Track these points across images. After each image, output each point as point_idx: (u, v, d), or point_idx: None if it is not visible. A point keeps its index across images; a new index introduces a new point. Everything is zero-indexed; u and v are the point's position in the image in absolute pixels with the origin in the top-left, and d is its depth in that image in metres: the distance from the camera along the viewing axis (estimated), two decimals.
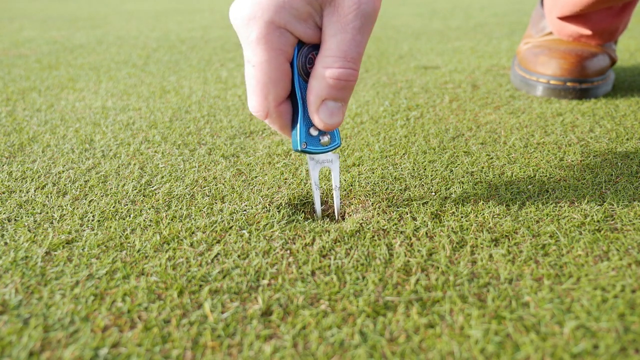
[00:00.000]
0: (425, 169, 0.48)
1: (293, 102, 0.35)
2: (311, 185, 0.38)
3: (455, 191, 0.43)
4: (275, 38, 0.32)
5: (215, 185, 0.45)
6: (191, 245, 0.36)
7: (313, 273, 0.32)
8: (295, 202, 0.42)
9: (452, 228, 0.37)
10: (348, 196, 0.43)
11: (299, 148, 0.35)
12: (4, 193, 0.44)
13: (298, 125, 0.35)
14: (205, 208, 0.41)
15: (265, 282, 0.32)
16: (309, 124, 0.35)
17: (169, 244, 0.36)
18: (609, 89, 0.73)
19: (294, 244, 0.36)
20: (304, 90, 0.34)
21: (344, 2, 0.31)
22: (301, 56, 0.34)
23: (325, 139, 0.36)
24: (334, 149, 0.37)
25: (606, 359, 0.25)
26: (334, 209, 0.40)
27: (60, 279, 0.32)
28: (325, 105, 0.33)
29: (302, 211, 0.41)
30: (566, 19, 0.72)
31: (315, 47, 0.34)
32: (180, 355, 0.26)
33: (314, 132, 0.36)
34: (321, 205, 0.41)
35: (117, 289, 0.31)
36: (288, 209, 0.40)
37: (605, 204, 0.40)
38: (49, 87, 0.83)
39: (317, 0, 0.31)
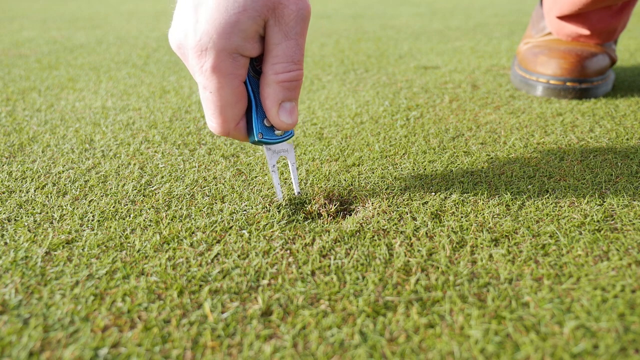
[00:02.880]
0: (425, 169, 0.48)
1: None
2: (269, 170, 0.41)
3: (455, 191, 0.43)
4: (228, 64, 0.33)
5: (215, 185, 0.45)
6: (191, 245, 0.36)
7: (313, 273, 0.32)
8: (295, 202, 0.42)
9: (452, 228, 0.37)
10: (349, 195, 0.43)
11: (256, 139, 0.37)
12: (4, 193, 0.44)
13: (253, 118, 0.37)
14: (205, 208, 0.41)
15: (265, 282, 0.32)
16: (262, 115, 0.37)
17: (169, 244, 0.36)
18: (608, 89, 0.73)
19: (294, 244, 0.36)
20: (255, 86, 0.36)
21: (284, 12, 0.33)
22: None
23: (278, 130, 0.38)
24: (288, 138, 0.39)
25: (606, 359, 0.25)
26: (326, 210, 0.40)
27: (60, 279, 0.32)
28: (282, 107, 0.36)
29: (302, 211, 0.41)
30: (565, 18, 0.72)
31: None
32: (180, 355, 0.26)
33: (267, 124, 0.37)
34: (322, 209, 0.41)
35: (117, 289, 0.31)
36: (288, 209, 0.40)
37: (605, 204, 0.40)
38: (49, 87, 0.83)
39: (260, 16, 0.32)
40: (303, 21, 0.34)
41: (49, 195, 0.43)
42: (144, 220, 0.39)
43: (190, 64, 0.34)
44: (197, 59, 0.33)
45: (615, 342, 0.26)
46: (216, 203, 0.42)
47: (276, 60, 0.34)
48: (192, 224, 0.38)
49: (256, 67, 0.36)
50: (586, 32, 0.72)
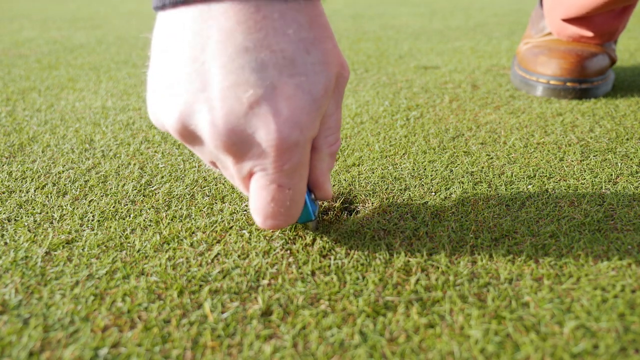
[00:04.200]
0: (425, 169, 0.48)
1: None
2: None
3: (455, 191, 0.43)
4: (307, 154, 0.29)
5: (215, 185, 0.45)
6: (191, 245, 0.36)
7: (313, 273, 0.32)
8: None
9: (452, 228, 0.37)
10: (349, 195, 0.43)
11: (314, 217, 0.35)
12: (4, 193, 0.44)
13: (307, 196, 0.34)
14: (206, 208, 0.41)
15: (265, 282, 0.32)
16: (308, 190, 0.34)
17: (169, 244, 0.36)
18: (608, 89, 0.73)
19: (294, 244, 0.36)
20: None
21: (341, 81, 0.30)
22: None
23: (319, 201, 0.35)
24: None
25: (606, 359, 0.25)
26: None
27: (60, 279, 0.32)
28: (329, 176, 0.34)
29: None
30: (569, 20, 0.72)
31: None
32: (180, 355, 0.26)
33: (312, 197, 0.35)
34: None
35: (117, 289, 0.31)
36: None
37: (605, 204, 0.40)
38: (49, 87, 0.83)
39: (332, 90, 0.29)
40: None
41: (49, 195, 0.43)
42: (144, 220, 0.39)
43: (245, 158, 0.28)
44: (278, 157, 0.27)
45: (615, 342, 0.26)
46: (216, 203, 0.42)
47: (329, 132, 0.31)
48: (192, 224, 0.38)
49: None
50: (589, 34, 0.72)
